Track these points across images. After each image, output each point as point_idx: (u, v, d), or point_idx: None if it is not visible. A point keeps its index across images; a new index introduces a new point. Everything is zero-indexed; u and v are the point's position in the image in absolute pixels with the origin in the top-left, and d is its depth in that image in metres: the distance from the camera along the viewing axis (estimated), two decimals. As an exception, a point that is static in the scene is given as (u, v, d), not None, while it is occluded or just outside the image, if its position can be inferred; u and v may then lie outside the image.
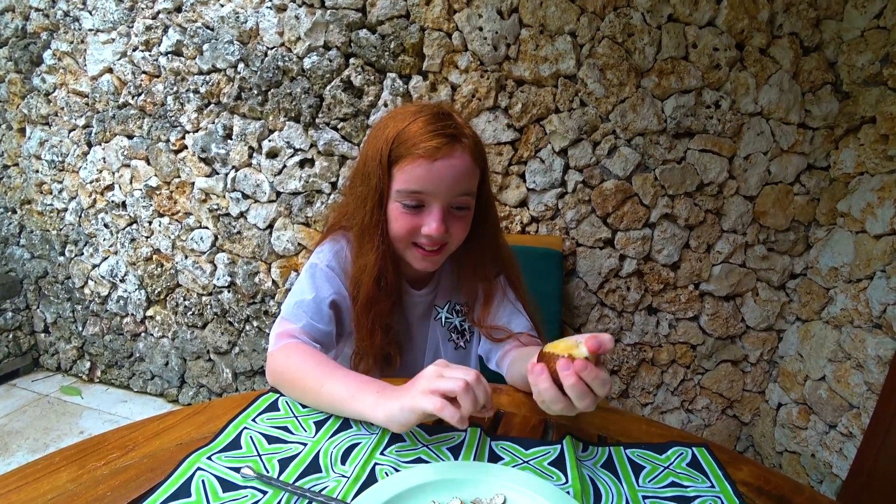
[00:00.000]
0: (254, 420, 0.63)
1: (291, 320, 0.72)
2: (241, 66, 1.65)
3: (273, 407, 0.67)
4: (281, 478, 0.53)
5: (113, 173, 1.92)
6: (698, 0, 1.45)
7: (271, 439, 0.60)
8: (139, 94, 1.81)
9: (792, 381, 1.64)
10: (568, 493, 0.54)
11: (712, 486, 0.58)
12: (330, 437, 0.61)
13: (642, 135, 1.53)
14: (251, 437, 0.60)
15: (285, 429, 0.62)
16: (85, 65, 1.87)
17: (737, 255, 1.62)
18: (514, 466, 0.58)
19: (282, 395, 0.69)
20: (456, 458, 0.58)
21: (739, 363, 1.73)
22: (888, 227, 1.35)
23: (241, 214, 1.77)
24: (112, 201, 1.95)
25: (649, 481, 0.58)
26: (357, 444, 0.60)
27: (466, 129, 0.72)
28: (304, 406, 0.67)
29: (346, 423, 0.64)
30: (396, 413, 0.55)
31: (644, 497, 0.56)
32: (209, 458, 0.56)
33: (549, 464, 0.59)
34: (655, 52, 1.49)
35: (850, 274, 1.46)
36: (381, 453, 0.58)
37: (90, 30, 1.84)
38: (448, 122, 0.70)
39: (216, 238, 1.83)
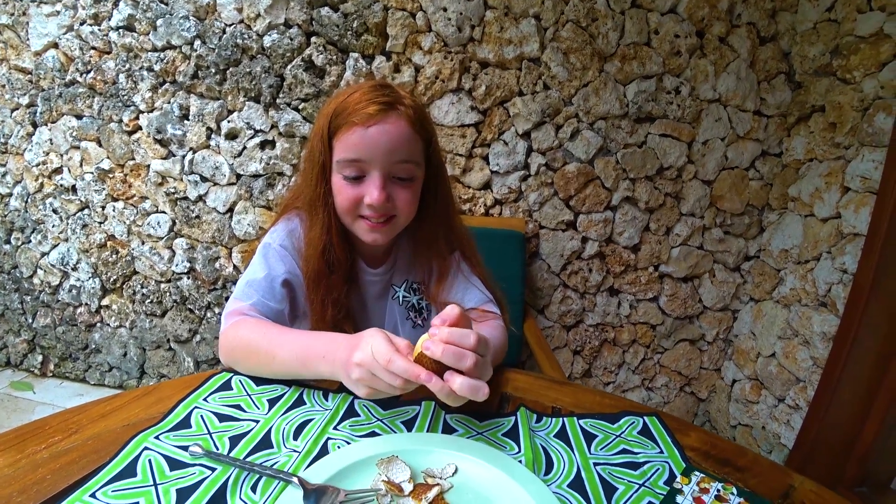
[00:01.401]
0: (205, 399, 0.62)
1: (242, 299, 0.71)
2: (197, 43, 1.59)
3: (226, 386, 0.65)
4: (231, 454, 0.52)
5: (61, 156, 1.82)
6: (660, -14, 1.47)
7: (223, 417, 0.59)
8: (88, 72, 1.72)
9: (745, 359, 1.72)
10: (520, 461, 0.55)
11: (661, 452, 0.60)
12: (283, 414, 0.60)
13: (605, 119, 1.56)
14: (202, 416, 0.59)
15: (238, 407, 0.61)
16: (27, 39, 1.76)
17: (694, 237, 1.67)
18: (467, 438, 0.58)
19: (235, 373, 0.68)
20: (409, 430, 0.59)
21: (697, 342, 1.80)
22: (834, 210, 1.42)
23: (200, 198, 1.71)
24: (61, 185, 1.85)
25: (601, 449, 0.60)
26: (310, 420, 0.59)
27: (406, 98, 0.72)
28: (257, 383, 0.66)
29: (300, 400, 0.63)
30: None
31: (595, 464, 0.57)
32: (157, 437, 0.54)
33: (502, 434, 0.60)
34: (618, 38, 1.51)
35: (799, 255, 1.53)
36: (335, 428, 0.58)
37: (33, 1, 1.73)
38: (385, 90, 0.71)
39: (174, 223, 1.77)
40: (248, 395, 0.64)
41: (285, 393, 0.64)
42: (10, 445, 0.54)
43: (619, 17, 1.49)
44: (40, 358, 2.09)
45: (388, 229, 0.74)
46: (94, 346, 2.00)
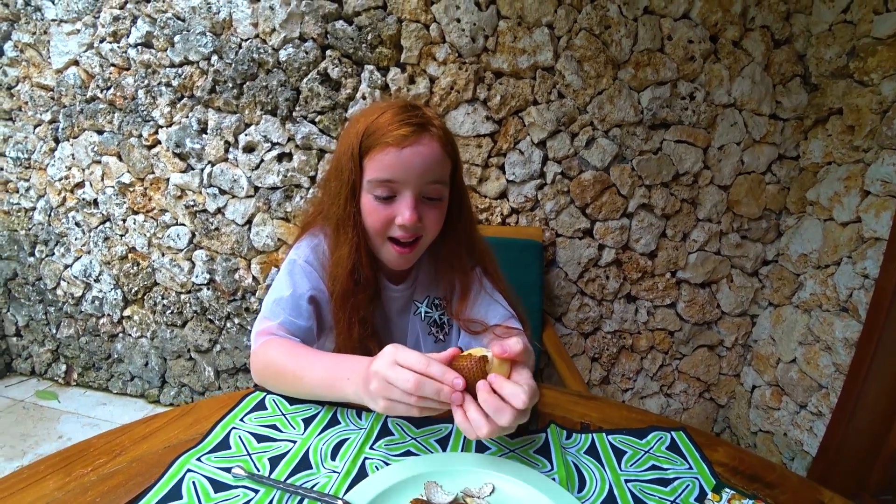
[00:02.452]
0: (242, 420, 0.63)
1: (270, 318, 0.72)
2: (214, 58, 1.61)
3: (260, 406, 0.66)
4: (272, 476, 0.54)
5: (83, 170, 1.86)
6: (673, -8, 1.47)
7: (260, 438, 0.60)
8: (108, 88, 1.75)
9: (765, 364, 1.71)
10: (553, 479, 0.55)
11: (690, 468, 0.61)
12: (319, 434, 0.61)
13: (619, 126, 1.56)
14: (240, 436, 0.60)
15: (274, 427, 0.62)
16: (49, 57, 1.80)
17: (712, 243, 1.67)
18: (500, 456, 0.59)
19: (268, 393, 0.69)
20: (444, 450, 0.60)
21: (715, 348, 1.79)
22: (854, 214, 1.40)
23: (219, 210, 1.74)
24: (83, 199, 1.89)
25: (631, 465, 0.61)
26: (346, 440, 0.60)
27: (435, 119, 0.73)
28: (291, 403, 0.67)
29: (334, 419, 0.64)
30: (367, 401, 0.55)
31: (626, 480, 0.58)
32: (198, 459, 0.56)
33: (534, 452, 0.60)
34: (632, 45, 1.51)
35: (819, 260, 1.52)
36: (371, 447, 0.59)
37: (53, 20, 1.77)
38: (416, 111, 0.72)
39: (193, 235, 1.79)
40: (283, 414, 0.65)
41: (319, 412, 0.65)
42: (58, 468, 0.56)
43: (632, 23, 1.49)
44: (64, 367, 2.13)
45: (415, 253, 0.75)
46: (116, 356, 2.04)
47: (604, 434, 0.66)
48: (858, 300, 1.37)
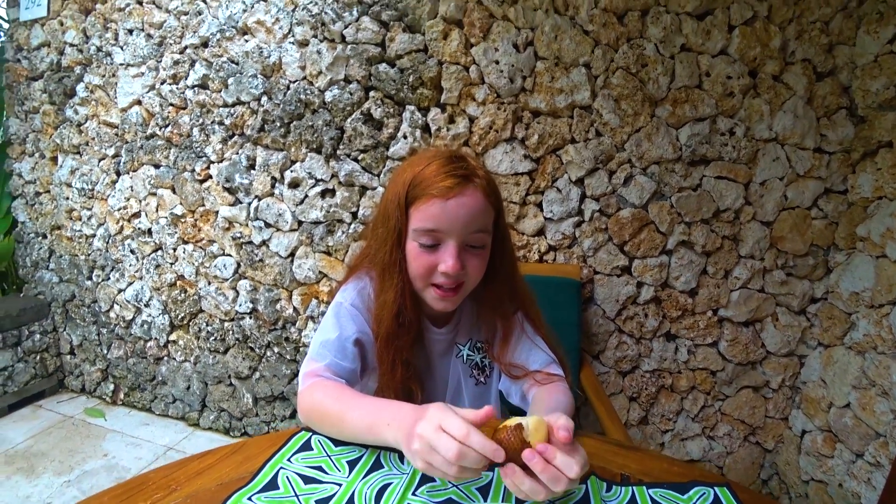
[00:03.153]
0: (289, 460, 0.66)
1: (317, 359, 0.75)
2: (264, 98, 1.71)
3: (306, 446, 0.69)
4: (319, 520, 0.55)
5: (140, 201, 1.99)
6: (710, 29, 1.47)
7: (307, 479, 0.62)
8: (166, 126, 1.88)
9: (816, 408, 1.62)
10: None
11: (738, 529, 0.59)
12: (363, 478, 0.63)
13: (658, 163, 1.55)
14: (287, 477, 0.62)
15: (320, 468, 0.64)
16: (115, 97, 1.95)
17: (755, 280, 1.62)
18: (543, 508, 0.59)
19: (314, 433, 0.71)
20: (485, 499, 0.60)
21: (761, 389, 1.71)
22: (909, 252, 1.34)
23: (264, 243, 1.82)
24: (138, 228, 2.01)
25: (676, 523, 0.59)
26: (389, 485, 0.62)
27: (479, 170, 0.76)
28: (336, 444, 0.69)
29: (377, 463, 0.66)
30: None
31: (671, 540, 0.56)
32: (249, 498, 0.58)
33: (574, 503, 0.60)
34: (669, 82, 1.51)
35: (872, 299, 1.45)
36: (413, 493, 0.60)
37: (121, 64, 1.92)
38: (461, 163, 0.74)
39: (239, 265, 1.87)
40: (328, 455, 0.67)
41: (364, 455, 0.67)
42: (120, 500, 0.59)
43: (669, 61, 1.50)
44: (112, 387, 2.23)
45: (457, 297, 0.77)
46: (160, 379, 2.12)
47: (644, 488, 0.65)
48: (918, 344, 1.30)
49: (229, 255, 1.88)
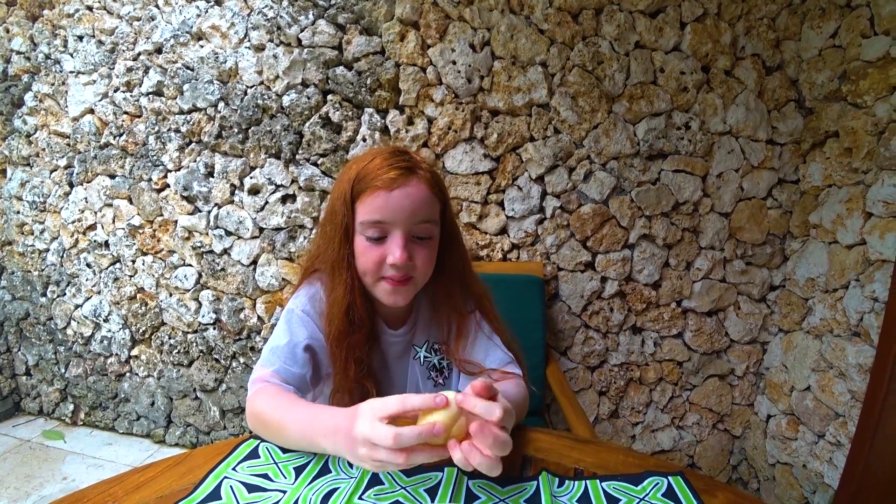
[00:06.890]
0: (234, 469, 0.63)
1: (265, 365, 0.73)
2: (221, 104, 1.68)
3: (254, 454, 0.66)
4: (259, 529, 0.53)
5: (95, 213, 1.92)
6: (663, 27, 1.51)
7: (251, 488, 0.60)
8: (121, 135, 1.82)
9: (779, 392, 1.66)
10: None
11: (688, 515, 0.59)
12: (309, 483, 0.61)
13: (616, 158, 1.57)
14: (231, 486, 0.60)
15: (265, 476, 0.62)
16: (66, 106, 1.89)
17: (716, 270, 1.65)
18: (491, 505, 0.58)
19: (262, 441, 0.69)
20: (433, 500, 0.59)
21: (726, 377, 1.75)
22: (858, 237, 1.39)
23: (225, 251, 1.77)
24: (94, 241, 1.94)
25: (626, 513, 0.59)
26: (336, 489, 0.60)
27: (423, 163, 0.76)
28: (283, 451, 0.67)
29: (325, 468, 0.64)
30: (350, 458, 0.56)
31: (622, 530, 0.56)
32: (187, 511, 0.55)
33: (524, 501, 0.59)
34: (625, 78, 1.54)
35: (827, 284, 1.50)
36: (360, 497, 0.59)
37: (71, 72, 1.86)
38: (404, 156, 0.75)
39: (200, 275, 1.82)
40: (275, 462, 0.65)
41: (311, 461, 0.65)
42: (50, 521, 0.56)
43: (624, 58, 1.53)
44: (72, 407, 2.14)
45: (408, 290, 0.76)
46: (123, 396, 2.05)
47: (597, 480, 0.64)
48: (869, 324, 1.34)
49: (190, 265, 1.83)
